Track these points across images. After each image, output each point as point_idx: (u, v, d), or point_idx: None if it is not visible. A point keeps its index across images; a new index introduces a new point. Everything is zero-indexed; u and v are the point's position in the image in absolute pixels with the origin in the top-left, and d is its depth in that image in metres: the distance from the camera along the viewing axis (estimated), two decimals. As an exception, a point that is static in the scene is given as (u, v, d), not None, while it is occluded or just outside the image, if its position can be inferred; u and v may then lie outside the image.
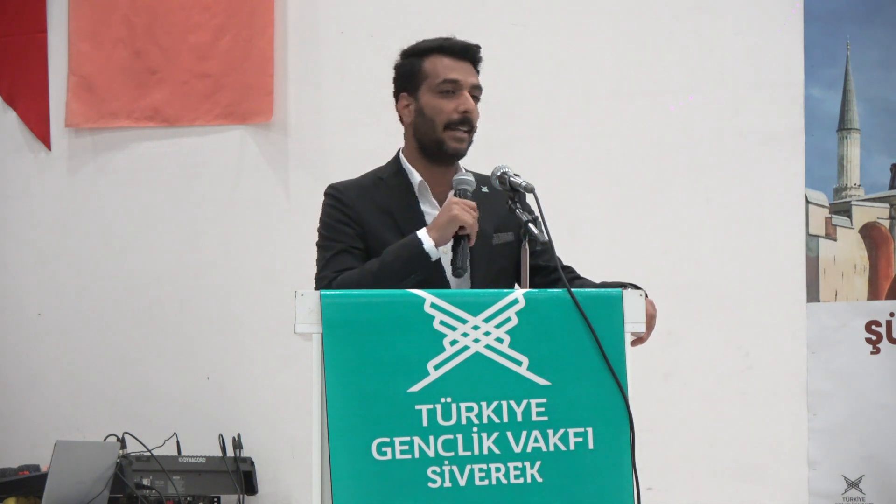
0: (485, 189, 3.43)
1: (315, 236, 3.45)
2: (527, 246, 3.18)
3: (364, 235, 3.38)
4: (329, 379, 2.91)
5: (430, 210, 3.41)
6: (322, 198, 3.48)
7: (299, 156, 5.88)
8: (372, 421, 2.91)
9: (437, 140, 3.40)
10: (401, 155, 3.50)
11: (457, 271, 3.22)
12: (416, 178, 3.44)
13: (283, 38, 5.90)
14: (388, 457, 2.91)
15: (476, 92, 3.43)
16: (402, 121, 3.50)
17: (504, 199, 3.27)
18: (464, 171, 3.44)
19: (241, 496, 5.55)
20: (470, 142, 3.43)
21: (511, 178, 3.26)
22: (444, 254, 3.28)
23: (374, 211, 3.40)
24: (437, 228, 3.25)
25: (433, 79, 3.41)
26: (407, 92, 3.45)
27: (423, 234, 3.26)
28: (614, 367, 2.99)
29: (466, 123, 3.40)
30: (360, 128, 5.76)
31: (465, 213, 3.22)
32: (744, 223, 5.32)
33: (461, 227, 3.22)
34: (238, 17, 5.93)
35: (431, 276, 3.27)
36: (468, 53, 3.44)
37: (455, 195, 3.30)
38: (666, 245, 5.38)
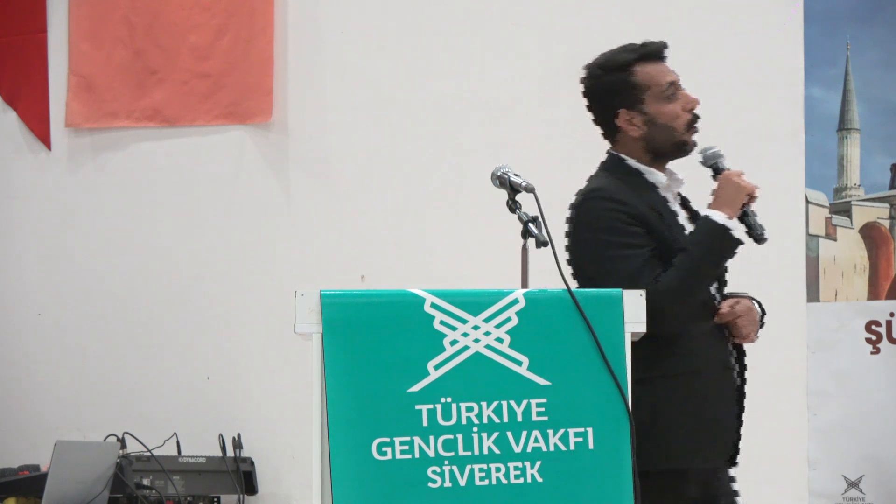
0: None
1: None
2: (527, 246, 3.18)
3: (649, 235, 3.29)
4: (329, 379, 2.91)
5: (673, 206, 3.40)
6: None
7: (299, 156, 5.88)
8: (372, 421, 2.91)
9: (677, 143, 3.39)
10: (625, 158, 3.41)
11: (760, 238, 3.23)
12: (660, 178, 3.40)
13: (283, 38, 5.90)
14: (389, 457, 2.91)
15: (680, 85, 3.44)
16: (613, 133, 3.43)
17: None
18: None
19: (241, 496, 5.55)
20: None
21: (511, 178, 3.27)
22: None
23: (646, 209, 3.31)
24: (729, 204, 3.26)
25: (655, 87, 3.37)
26: (626, 107, 3.38)
27: (719, 216, 3.26)
28: (614, 368, 2.99)
29: (696, 118, 3.41)
30: (361, 128, 5.76)
31: (748, 181, 3.27)
32: (744, 223, 5.32)
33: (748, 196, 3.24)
34: (238, 17, 5.93)
35: None
36: (665, 52, 3.44)
37: (715, 168, 3.35)
38: (666, 245, 5.37)
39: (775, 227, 5.29)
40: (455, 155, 5.58)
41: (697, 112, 3.41)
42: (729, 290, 5.38)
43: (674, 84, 3.39)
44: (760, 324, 3.42)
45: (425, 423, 2.92)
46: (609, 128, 3.43)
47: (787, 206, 5.29)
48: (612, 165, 3.42)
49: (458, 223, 5.57)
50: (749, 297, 3.42)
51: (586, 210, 3.33)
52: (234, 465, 5.56)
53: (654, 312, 3.04)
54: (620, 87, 3.39)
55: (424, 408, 2.93)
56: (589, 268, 3.28)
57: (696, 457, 3.24)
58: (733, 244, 3.26)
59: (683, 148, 3.40)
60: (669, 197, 3.40)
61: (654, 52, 3.42)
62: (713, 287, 3.35)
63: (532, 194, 3.18)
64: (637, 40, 5.49)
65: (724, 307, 3.33)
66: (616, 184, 3.35)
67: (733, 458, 3.41)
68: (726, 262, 3.31)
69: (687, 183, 3.52)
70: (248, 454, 5.66)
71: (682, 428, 3.22)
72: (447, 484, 2.92)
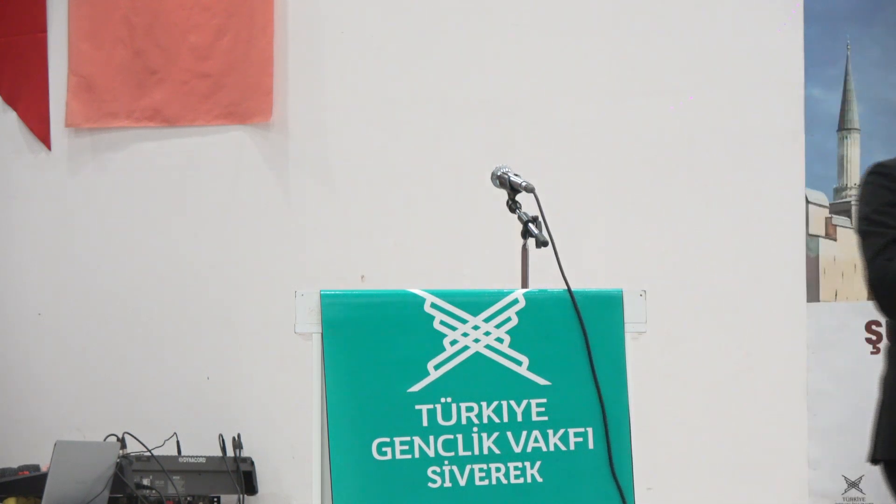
0: None
1: None
2: (527, 246, 3.18)
3: None
4: (329, 379, 2.91)
5: None
6: None
7: (299, 156, 5.87)
8: (372, 421, 2.91)
9: None
10: None
11: None
12: None
13: (283, 38, 5.90)
14: (389, 457, 2.91)
15: None
16: None
17: None
18: None
19: (241, 496, 5.55)
20: None
21: (511, 178, 3.27)
22: None
23: None
24: None
25: None
26: None
27: None
28: (614, 367, 3.00)
29: None
30: (360, 128, 5.76)
31: None
32: (744, 223, 5.32)
33: None
34: (238, 17, 5.93)
35: None
36: None
37: None
38: (666, 245, 5.38)
39: (775, 227, 5.33)
40: (455, 155, 5.58)
41: None
42: (731, 289, 5.39)
43: None
44: None
45: (425, 423, 2.93)
46: None
47: (787, 206, 5.29)
48: None
49: (458, 223, 5.57)
50: None
51: (864, 182, 3.25)
52: (234, 465, 5.56)
53: (879, 295, 3.01)
54: None
55: (424, 408, 2.93)
56: (856, 235, 3.20)
57: None
58: None
59: None
60: None
61: None
62: None
63: (532, 194, 3.18)
64: (636, 40, 5.52)
65: None
66: None
67: None
68: None
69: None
70: (248, 454, 5.66)
71: None
72: (447, 484, 2.92)
